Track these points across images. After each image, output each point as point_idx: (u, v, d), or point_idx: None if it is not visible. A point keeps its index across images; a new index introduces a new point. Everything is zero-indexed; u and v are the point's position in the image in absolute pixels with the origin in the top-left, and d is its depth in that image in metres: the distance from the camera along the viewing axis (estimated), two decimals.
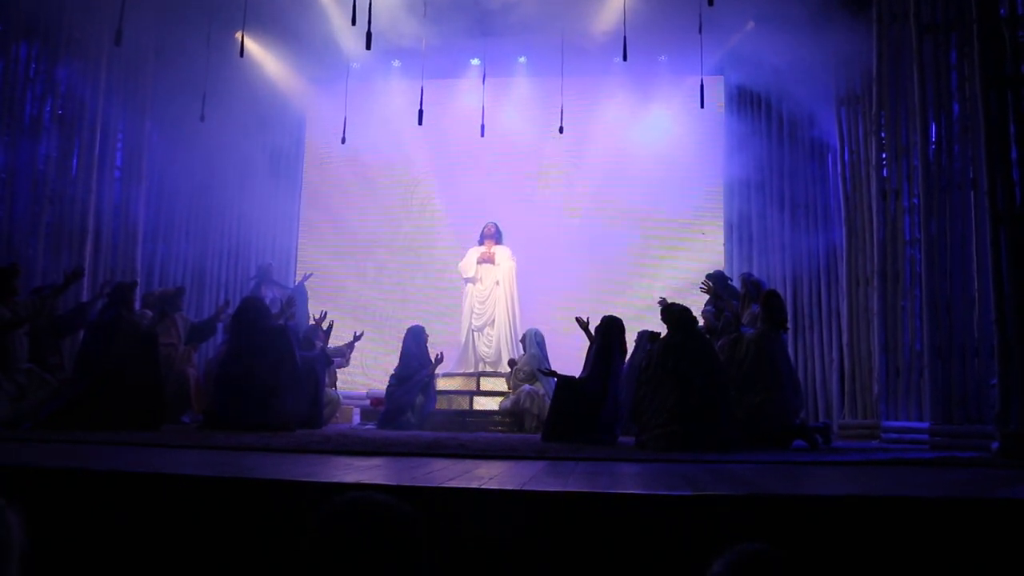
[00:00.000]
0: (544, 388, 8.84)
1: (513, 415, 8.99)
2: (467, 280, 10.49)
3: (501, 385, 9.64)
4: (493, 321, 10.30)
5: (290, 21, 10.45)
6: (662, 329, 6.56)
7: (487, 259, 10.43)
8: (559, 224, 11.15)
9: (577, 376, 7.20)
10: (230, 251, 11.81)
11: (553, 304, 10.62)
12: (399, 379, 9.25)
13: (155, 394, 7.11)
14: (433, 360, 9.45)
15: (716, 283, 8.66)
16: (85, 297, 8.96)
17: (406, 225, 12.06)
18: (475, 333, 10.36)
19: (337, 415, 9.53)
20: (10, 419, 6.83)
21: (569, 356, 8.63)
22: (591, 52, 10.58)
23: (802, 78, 9.65)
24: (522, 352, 9.56)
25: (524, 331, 9.71)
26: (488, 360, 10.23)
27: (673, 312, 6.44)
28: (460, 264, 10.57)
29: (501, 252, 10.48)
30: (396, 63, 11.78)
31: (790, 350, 8.89)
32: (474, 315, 10.39)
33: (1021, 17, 5.51)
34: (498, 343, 10.25)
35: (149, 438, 5.62)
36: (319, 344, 8.89)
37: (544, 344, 9.37)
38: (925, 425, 6.73)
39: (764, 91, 10.75)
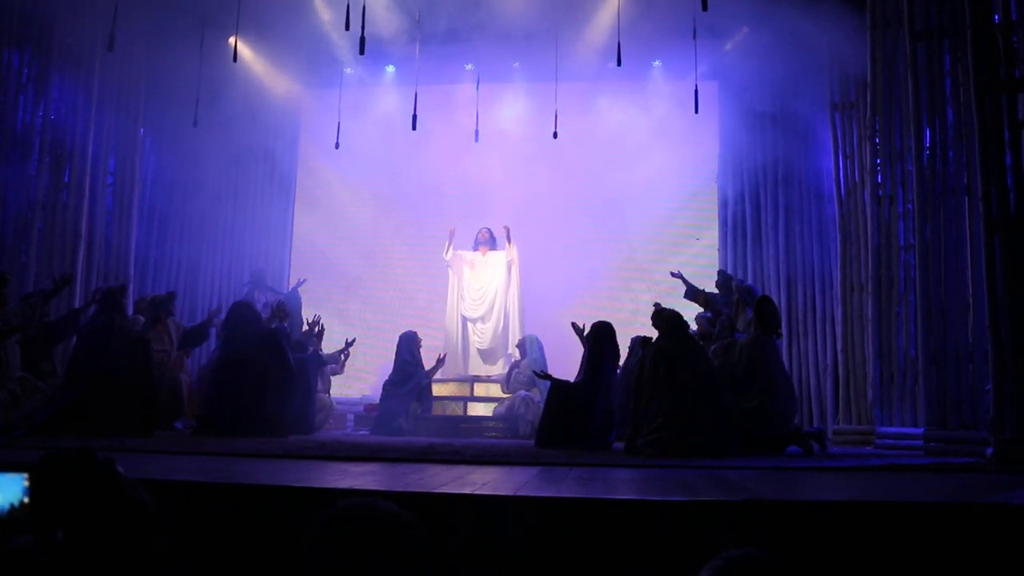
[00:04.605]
0: (539, 395, 8.82)
1: (507, 421, 8.97)
2: (447, 264, 10.49)
3: (495, 391, 9.61)
4: (490, 313, 10.27)
5: (283, 26, 10.42)
6: (654, 334, 6.55)
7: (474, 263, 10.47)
8: (553, 229, 11.12)
9: (571, 381, 7.19)
10: (223, 256, 11.76)
11: (549, 309, 10.57)
12: (393, 385, 9.23)
13: (148, 400, 7.07)
14: (435, 362, 9.45)
15: (720, 283, 8.68)
16: (78, 304, 8.92)
17: (400, 230, 12.01)
18: (469, 324, 10.32)
19: (331, 421, 9.49)
20: (4, 426, 6.80)
21: (572, 362, 8.61)
22: (585, 57, 10.58)
23: (796, 83, 9.68)
24: (519, 356, 9.55)
25: (522, 336, 9.71)
26: (480, 348, 10.18)
27: (663, 316, 6.42)
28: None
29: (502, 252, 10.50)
30: (390, 68, 11.77)
31: (784, 356, 8.89)
32: (466, 306, 10.35)
33: (1015, 22, 5.52)
34: (495, 335, 10.21)
35: (142, 444, 5.61)
36: (311, 348, 8.87)
37: (543, 350, 9.37)
38: (920, 431, 6.72)
39: (758, 96, 10.74)
